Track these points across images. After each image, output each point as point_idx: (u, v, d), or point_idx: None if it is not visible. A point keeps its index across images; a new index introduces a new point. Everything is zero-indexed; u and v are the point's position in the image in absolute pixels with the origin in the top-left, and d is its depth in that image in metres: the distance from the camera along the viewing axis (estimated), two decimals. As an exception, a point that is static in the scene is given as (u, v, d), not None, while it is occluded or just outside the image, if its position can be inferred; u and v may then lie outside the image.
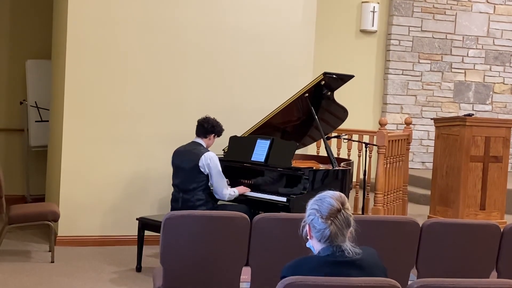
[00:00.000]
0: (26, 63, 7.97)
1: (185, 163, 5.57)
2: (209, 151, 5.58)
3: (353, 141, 6.83)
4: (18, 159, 8.26)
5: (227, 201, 5.68)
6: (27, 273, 5.41)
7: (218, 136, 5.75)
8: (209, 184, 5.56)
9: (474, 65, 9.57)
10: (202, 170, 5.50)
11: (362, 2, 9.16)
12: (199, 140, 5.66)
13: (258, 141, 5.80)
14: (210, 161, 5.49)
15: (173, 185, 5.68)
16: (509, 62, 9.70)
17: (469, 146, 6.36)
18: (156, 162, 6.32)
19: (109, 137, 6.41)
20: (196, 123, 5.70)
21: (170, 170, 5.72)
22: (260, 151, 5.72)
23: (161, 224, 3.74)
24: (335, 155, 6.40)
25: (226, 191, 5.54)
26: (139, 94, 6.49)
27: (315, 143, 6.94)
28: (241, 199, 5.67)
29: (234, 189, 5.61)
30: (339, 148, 7.18)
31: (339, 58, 8.85)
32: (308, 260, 2.63)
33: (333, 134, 6.67)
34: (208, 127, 5.65)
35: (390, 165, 6.66)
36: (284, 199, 5.40)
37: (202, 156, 5.50)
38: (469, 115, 6.62)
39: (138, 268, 5.60)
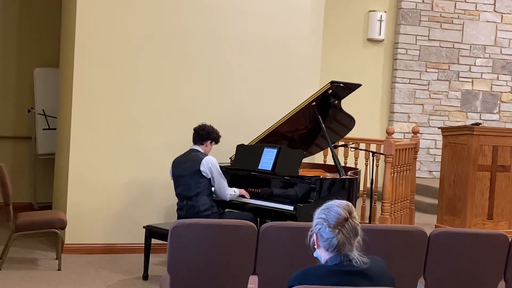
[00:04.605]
0: (34, 71, 8.01)
1: (186, 170, 5.58)
2: (208, 155, 5.61)
3: (360, 150, 6.83)
4: (26, 167, 8.29)
5: (232, 208, 5.72)
6: (34, 281, 5.41)
7: (216, 142, 5.77)
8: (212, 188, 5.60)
9: (482, 74, 9.56)
10: (204, 174, 5.52)
11: (369, 11, 9.17)
12: (196, 147, 5.69)
13: (265, 149, 5.80)
14: (211, 164, 5.53)
15: (176, 195, 5.70)
16: (516, 71, 9.70)
17: (476, 155, 6.35)
18: (163, 170, 6.31)
19: (117, 145, 6.42)
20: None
21: (177, 178, 5.73)
22: (267, 159, 5.72)
23: (169, 232, 3.75)
24: (342, 164, 6.39)
25: (228, 191, 5.60)
26: (147, 102, 6.50)
27: (322, 152, 6.94)
28: (248, 208, 5.68)
29: (234, 188, 5.67)
30: (346, 156, 7.17)
31: (346, 66, 8.86)
32: (315, 269, 2.62)
33: (340, 143, 6.66)
34: (203, 134, 5.68)
35: (397, 174, 6.65)
36: (291, 207, 5.38)
37: (203, 161, 5.53)
38: (477, 124, 6.60)
39: (145, 276, 5.60)
